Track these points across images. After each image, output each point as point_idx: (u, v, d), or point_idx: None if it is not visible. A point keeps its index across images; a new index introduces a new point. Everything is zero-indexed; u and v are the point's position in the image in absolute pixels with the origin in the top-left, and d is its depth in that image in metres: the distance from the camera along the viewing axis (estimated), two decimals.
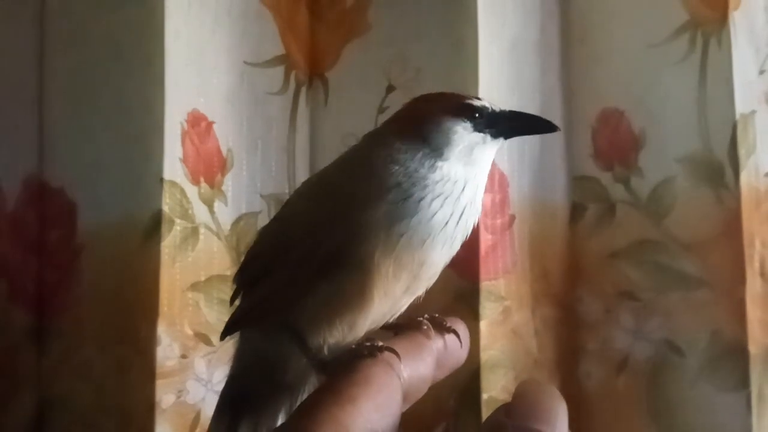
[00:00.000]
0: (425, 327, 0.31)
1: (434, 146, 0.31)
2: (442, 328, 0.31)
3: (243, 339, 0.34)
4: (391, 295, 0.30)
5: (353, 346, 0.29)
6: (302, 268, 0.30)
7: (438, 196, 0.30)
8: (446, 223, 0.30)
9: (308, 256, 0.30)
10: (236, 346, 0.34)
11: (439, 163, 0.31)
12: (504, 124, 0.33)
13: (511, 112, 0.34)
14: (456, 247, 0.31)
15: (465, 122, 0.32)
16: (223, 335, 0.33)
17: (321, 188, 0.33)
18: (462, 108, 0.33)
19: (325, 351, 0.30)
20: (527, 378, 0.29)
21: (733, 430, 0.49)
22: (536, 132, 0.36)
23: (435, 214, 0.30)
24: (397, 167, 0.30)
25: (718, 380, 0.50)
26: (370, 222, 0.29)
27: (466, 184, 0.31)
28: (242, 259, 0.35)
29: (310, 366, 0.31)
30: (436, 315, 0.31)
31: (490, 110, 0.33)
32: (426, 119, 0.32)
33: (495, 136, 0.33)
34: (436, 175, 0.31)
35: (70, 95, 0.47)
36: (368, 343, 0.28)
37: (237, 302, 0.34)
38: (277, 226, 0.34)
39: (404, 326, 0.32)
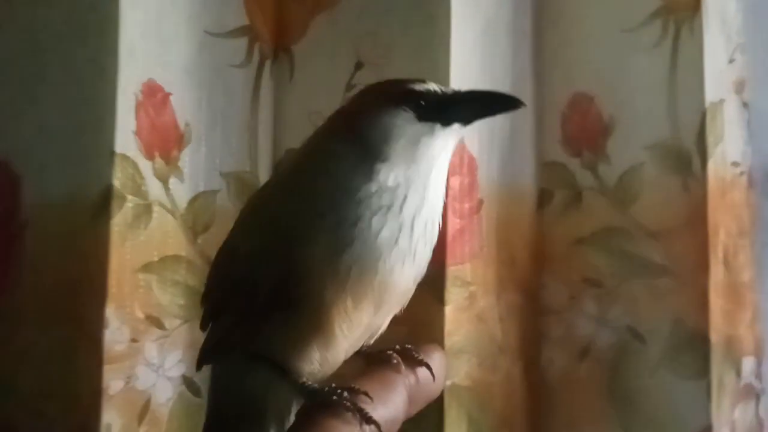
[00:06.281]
0: (395, 361, 0.28)
1: (371, 145, 0.27)
2: (413, 362, 0.29)
3: (215, 377, 0.30)
4: (358, 324, 0.28)
5: (325, 389, 0.26)
6: (251, 306, 0.28)
7: (377, 212, 0.26)
8: (396, 240, 0.27)
9: (252, 295, 0.28)
10: (210, 386, 0.31)
11: (378, 167, 0.27)
12: (458, 108, 0.29)
13: (466, 92, 0.29)
14: (421, 259, 0.28)
15: (406, 111, 0.28)
16: (199, 366, 0.30)
17: (260, 219, 0.29)
18: (402, 95, 0.28)
19: (305, 379, 0.27)
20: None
21: (693, 417, 0.49)
22: (498, 112, 0.30)
23: (379, 233, 0.26)
24: (330, 182, 0.27)
25: (678, 368, 0.50)
26: (309, 258, 0.26)
27: (409, 190, 0.27)
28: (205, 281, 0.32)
29: (294, 393, 0.28)
30: (408, 346, 0.29)
31: (438, 93, 0.29)
32: (361, 113, 0.28)
33: (447, 123, 0.28)
34: (372, 186, 0.27)
35: (15, 62, 0.44)
36: (336, 387, 0.26)
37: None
38: (224, 258, 0.31)
39: (375, 357, 0.29)
